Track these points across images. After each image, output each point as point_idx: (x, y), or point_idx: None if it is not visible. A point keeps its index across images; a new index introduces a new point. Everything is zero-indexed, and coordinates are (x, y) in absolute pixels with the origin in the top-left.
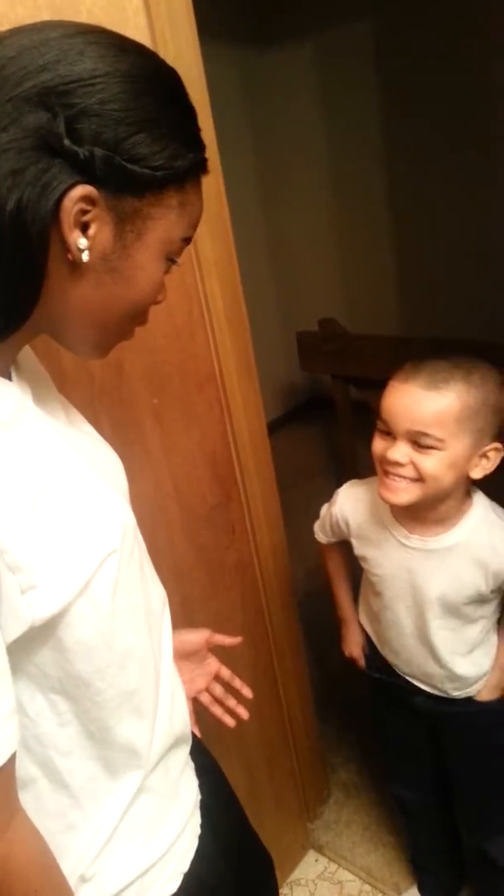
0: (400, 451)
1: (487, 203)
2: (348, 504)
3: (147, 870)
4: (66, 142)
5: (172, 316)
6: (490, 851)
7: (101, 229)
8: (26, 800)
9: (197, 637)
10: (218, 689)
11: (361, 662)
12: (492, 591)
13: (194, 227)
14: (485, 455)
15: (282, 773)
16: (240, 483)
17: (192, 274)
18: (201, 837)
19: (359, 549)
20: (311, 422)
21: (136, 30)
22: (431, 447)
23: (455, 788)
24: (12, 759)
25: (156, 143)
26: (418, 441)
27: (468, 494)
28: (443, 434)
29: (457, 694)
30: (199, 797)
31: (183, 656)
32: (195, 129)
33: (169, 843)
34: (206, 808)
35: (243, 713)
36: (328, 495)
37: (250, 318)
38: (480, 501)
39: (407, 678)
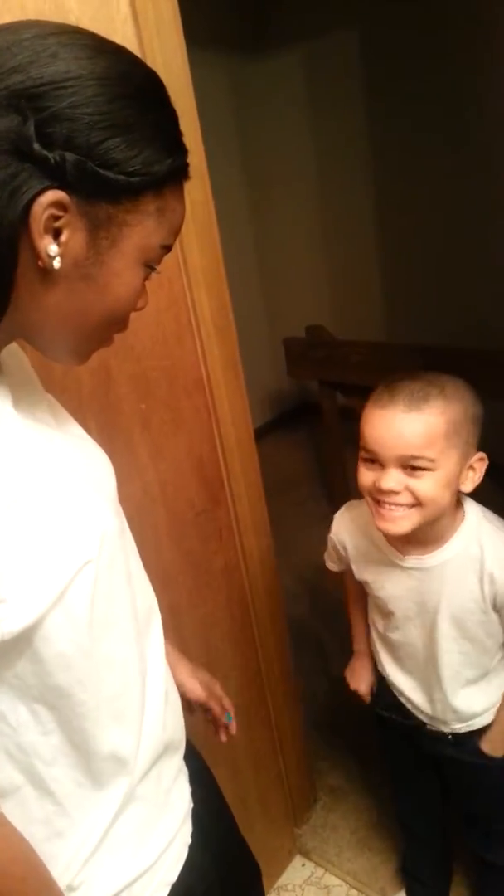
0: (393, 479)
1: (474, 210)
2: (343, 529)
3: (135, 880)
4: (36, 146)
5: (160, 322)
6: (490, 859)
7: (73, 236)
8: (11, 808)
9: (197, 689)
10: (216, 708)
11: (367, 699)
12: (493, 607)
13: (175, 233)
14: (471, 467)
15: (269, 778)
16: (227, 488)
17: (180, 280)
18: (191, 847)
19: (358, 573)
20: (299, 428)
21: (124, 39)
22: (425, 469)
23: (463, 812)
24: None
25: (131, 148)
26: (411, 465)
27: (460, 505)
28: (434, 454)
29: (458, 727)
30: (191, 805)
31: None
32: (176, 134)
33: (158, 852)
34: (198, 816)
35: (233, 727)
36: (315, 501)
37: (238, 324)
38: (472, 510)
39: (413, 713)
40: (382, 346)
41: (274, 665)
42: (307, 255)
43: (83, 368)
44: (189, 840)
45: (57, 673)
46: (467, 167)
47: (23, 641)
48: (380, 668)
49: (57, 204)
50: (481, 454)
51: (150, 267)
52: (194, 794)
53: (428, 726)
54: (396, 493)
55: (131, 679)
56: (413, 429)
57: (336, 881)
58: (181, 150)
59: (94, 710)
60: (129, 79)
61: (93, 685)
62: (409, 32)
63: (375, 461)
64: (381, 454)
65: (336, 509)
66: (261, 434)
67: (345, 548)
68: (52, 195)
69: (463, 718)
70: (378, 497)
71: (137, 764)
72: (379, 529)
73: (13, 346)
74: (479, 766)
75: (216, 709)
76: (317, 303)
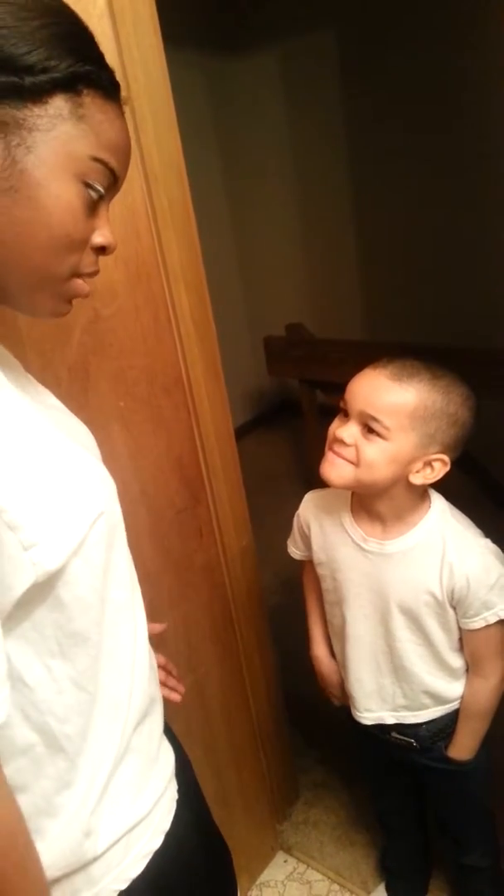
0: (348, 431)
1: (453, 208)
2: (311, 507)
3: (134, 826)
4: None
5: (139, 320)
6: (466, 862)
7: None
8: (24, 765)
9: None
10: (161, 673)
11: (336, 701)
12: (450, 601)
13: (109, 150)
14: (429, 463)
15: (251, 775)
16: (207, 487)
17: (159, 278)
18: (178, 803)
19: (318, 553)
20: (279, 426)
21: (100, 35)
22: (378, 434)
23: (437, 817)
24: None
25: (21, 46)
26: (367, 424)
27: (425, 496)
28: (391, 424)
29: (420, 720)
30: (174, 765)
31: None
32: (81, 43)
33: (153, 801)
34: (179, 781)
35: (182, 689)
36: (296, 499)
37: (217, 322)
38: (438, 504)
39: (381, 716)
40: (362, 344)
41: (255, 662)
42: (286, 253)
43: (61, 366)
44: (177, 795)
45: (77, 617)
46: (445, 165)
47: (48, 587)
48: (340, 666)
49: None
50: (444, 457)
51: (88, 186)
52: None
53: (393, 732)
54: (346, 444)
55: (129, 626)
56: (383, 393)
57: (318, 876)
58: (92, 59)
59: (105, 655)
60: None
61: (105, 628)
62: (387, 31)
63: (346, 415)
64: (350, 405)
65: None
66: (241, 432)
67: (308, 528)
68: None
69: (424, 705)
70: (331, 444)
71: (129, 713)
72: (320, 474)
73: None
74: (448, 773)
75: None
76: (296, 301)
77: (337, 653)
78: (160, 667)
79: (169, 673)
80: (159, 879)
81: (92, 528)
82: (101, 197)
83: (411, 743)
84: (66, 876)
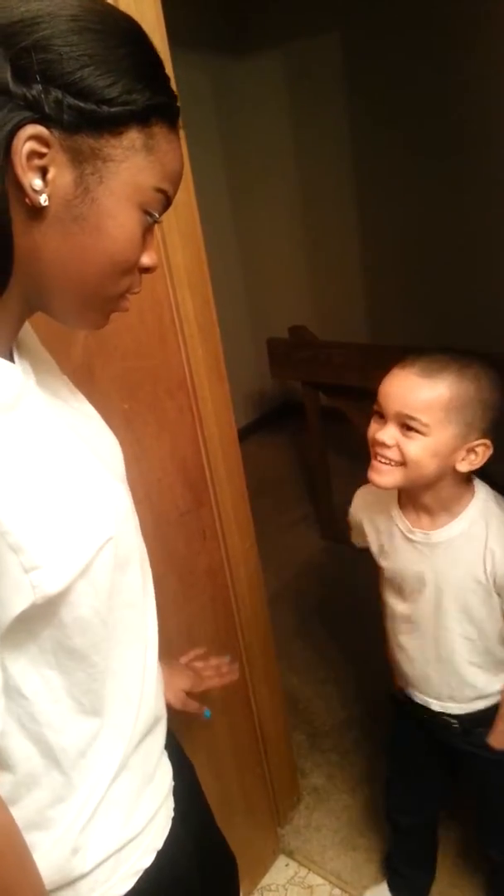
0: (388, 433)
1: (457, 210)
2: (361, 505)
3: (125, 845)
4: (12, 82)
5: (143, 322)
6: (499, 859)
7: (59, 172)
8: (20, 776)
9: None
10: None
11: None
12: (495, 588)
13: (170, 180)
14: (472, 450)
15: (252, 779)
16: (210, 489)
17: (163, 280)
18: (173, 820)
19: (373, 546)
20: (282, 429)
21: None
22: (417, 431)
23: (476, 814)
24: None
25: (105, 78)
26: (406, 424)
27: (469, 485)
28: (429, 420)
29: (464, 707)
30: (172, 783)
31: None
32: (157, 71)
33: (146, 820)
34: (178, 796)
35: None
36: (298, 502)
37: (221, 324)
38: (481, 493)
39: (427, 700)
40: (365, 347)
41: (258, 666)
42: (290, 255)
43: (66, 367)
44: (172, 814)
45: (75, 636)
46: (452, 170)
47: (50, 607)
48: (393, 648)
49: (37, 138)
50: (485, 440)
51: (147, 213)
52: (174, 776)
53: (437, 712)
54: (388, 446)
55: (136, 647)
56: (416, 392)
57: (319, 881)
58: (165, 89)
59: (103, 674)
60: (103, 16)
61: (105, 650)
62: (392, 34)
63: (382, 416)
64: (385, 408)
65: (319, 509)
66: (244, 434)
67: (361, 522)
68: (32, 129)
69: (467, 697)
70: (374, 447)
71: (133, 732)
72: (370, 480)
73: (28, 327)
74: (489, 762)
75: (191, 710)
76: (300, 304)
77: (392, 636)
78: (201, 661)
79: (212, 665)
80: None
81: (99, 553)
82: (155, 221)
83: (452, 724)
84: (53, 892)
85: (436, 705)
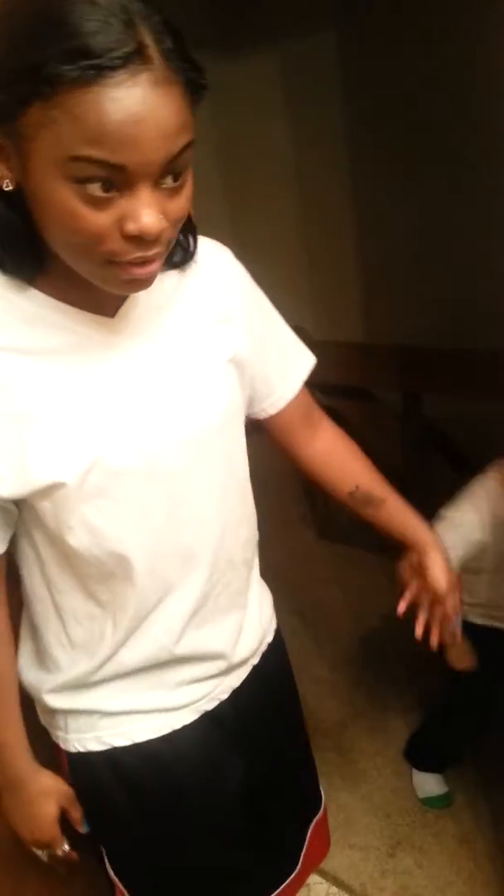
0: None
1: (455, 211)
2: None
3: (83, 712)
4: None
5: None
6: None
7: (6, 157)
8: (40, 609)
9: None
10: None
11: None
12: None
13: (96, 141)
14: None
15: None
16: None
17: None
18: (192, 738)
19: None
20: None
21: None
22: None
23: None
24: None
25: None
26: None
27: None
28: None
29: None
30: (199, 710)
31: None
32: (43, 38)
33: (121, 709)
34: (244, 727)
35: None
36: (296, 501)
37: None
38: None
39: None
40: (362, 347)
41: None
42: (286, 255)
43: None
44: (178, 726)
45: (57, 542)
46: (448, 171)
47: (23, 508)
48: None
49: None
50: None
51: (82, 182)
52: (252, 713)
53: None
54: None
55: (128, 586)
56: None
57: (316, 879)
58: (56, 54)
59: (81, 577)
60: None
61: (81, 566)
62: (389, 34)
63: None
64: None
65: (315, 509)
66: None
67: None
68: None
69: None
70: None
71: (116, 641)
72: None
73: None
74: None
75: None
76: (296, 303)
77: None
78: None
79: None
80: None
81: (44, 493)
82: (111, 188)
83: None
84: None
85: None
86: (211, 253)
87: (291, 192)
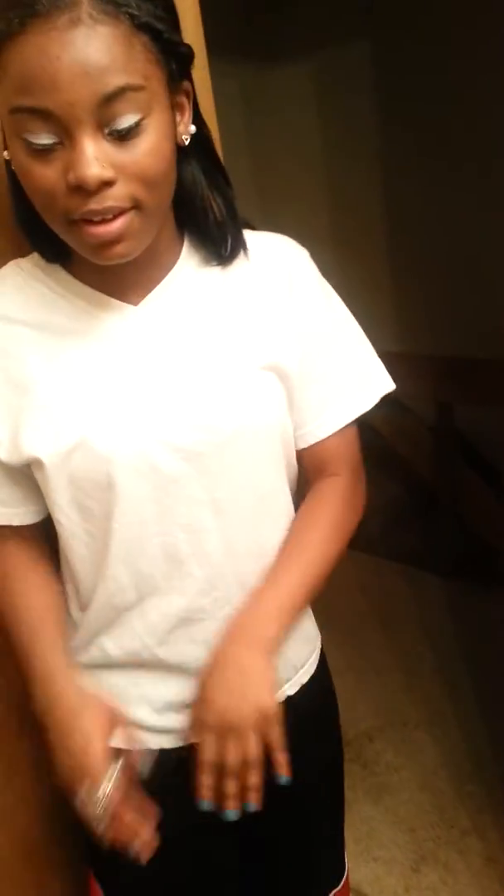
0: None
1: (489, 220)
2: None
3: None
4: None
5: None
6: None
7: None
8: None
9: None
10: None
11: None
12: None
13: (22, 90)
14: None
15: None
16: None
17: None
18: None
19: None
20: None
21: None
22: None
23: None
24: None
25: None
26: None
27: None
28: None
29: None
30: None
31: None
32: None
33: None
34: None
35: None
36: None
37: None
38: None
39: None
40: (395, 356)
41: None
42: (318, 262)
43: None
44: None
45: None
46: (481, 178)
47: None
48: None
49: None
50: None
51: (22, 137)
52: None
53: None
54: None
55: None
56: None
57: None
58: (1, 14)
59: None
60: None
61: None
62: (423, 43)
63: None
64: None
65: None
66: None
67: None
68: None
69: None
70: None
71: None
72: None
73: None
74: None
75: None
76: None
77: None
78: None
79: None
80: None
81: (41, 463)
82: (53, 139)
83: None
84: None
85: None
86: (274, 251)
87: (323, 200)
